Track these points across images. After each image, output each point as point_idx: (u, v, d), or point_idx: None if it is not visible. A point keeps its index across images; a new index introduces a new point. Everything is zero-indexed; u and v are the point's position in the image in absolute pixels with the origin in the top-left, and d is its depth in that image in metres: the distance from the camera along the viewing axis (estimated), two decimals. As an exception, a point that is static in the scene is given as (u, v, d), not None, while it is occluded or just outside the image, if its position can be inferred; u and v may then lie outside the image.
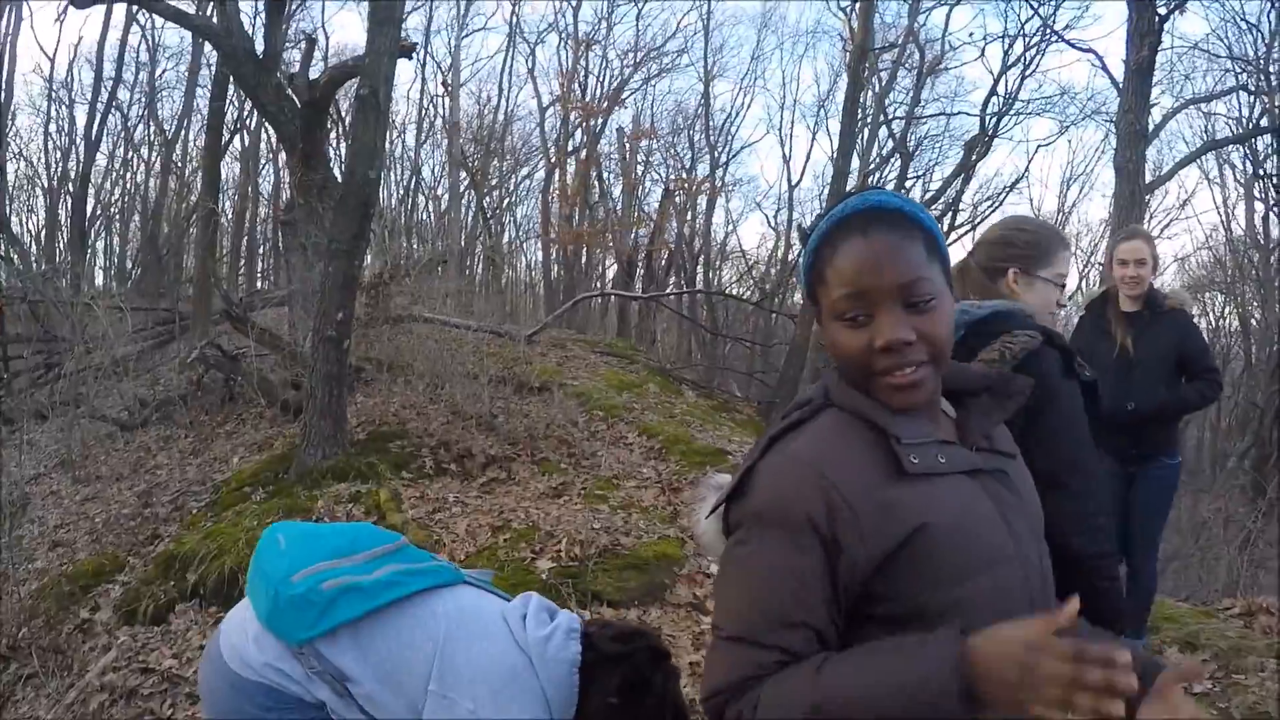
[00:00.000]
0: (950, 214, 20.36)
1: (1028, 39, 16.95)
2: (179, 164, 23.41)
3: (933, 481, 1.36)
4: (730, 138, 24.95)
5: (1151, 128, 14.70)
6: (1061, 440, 2.14)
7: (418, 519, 6.18)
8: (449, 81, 23.32)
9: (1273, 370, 14.80)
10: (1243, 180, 19.13)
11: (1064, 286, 2.54)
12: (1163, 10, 9.57)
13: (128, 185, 25.11)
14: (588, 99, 23.79)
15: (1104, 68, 12.42)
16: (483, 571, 2.60)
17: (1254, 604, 5.86)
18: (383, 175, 22.62)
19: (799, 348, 14.37)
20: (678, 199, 23.56)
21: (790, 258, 20.72)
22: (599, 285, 22.26)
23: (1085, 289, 19.36)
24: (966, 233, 22.45)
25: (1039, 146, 35.20)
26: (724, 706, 1.30)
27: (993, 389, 1.55)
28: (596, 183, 23.81)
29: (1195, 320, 4.86)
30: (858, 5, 17.20)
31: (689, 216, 23.99)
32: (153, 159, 24.52)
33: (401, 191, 26.02)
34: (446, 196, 24.63)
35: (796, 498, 1.31)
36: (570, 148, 24.28)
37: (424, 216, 26.97)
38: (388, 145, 23.41)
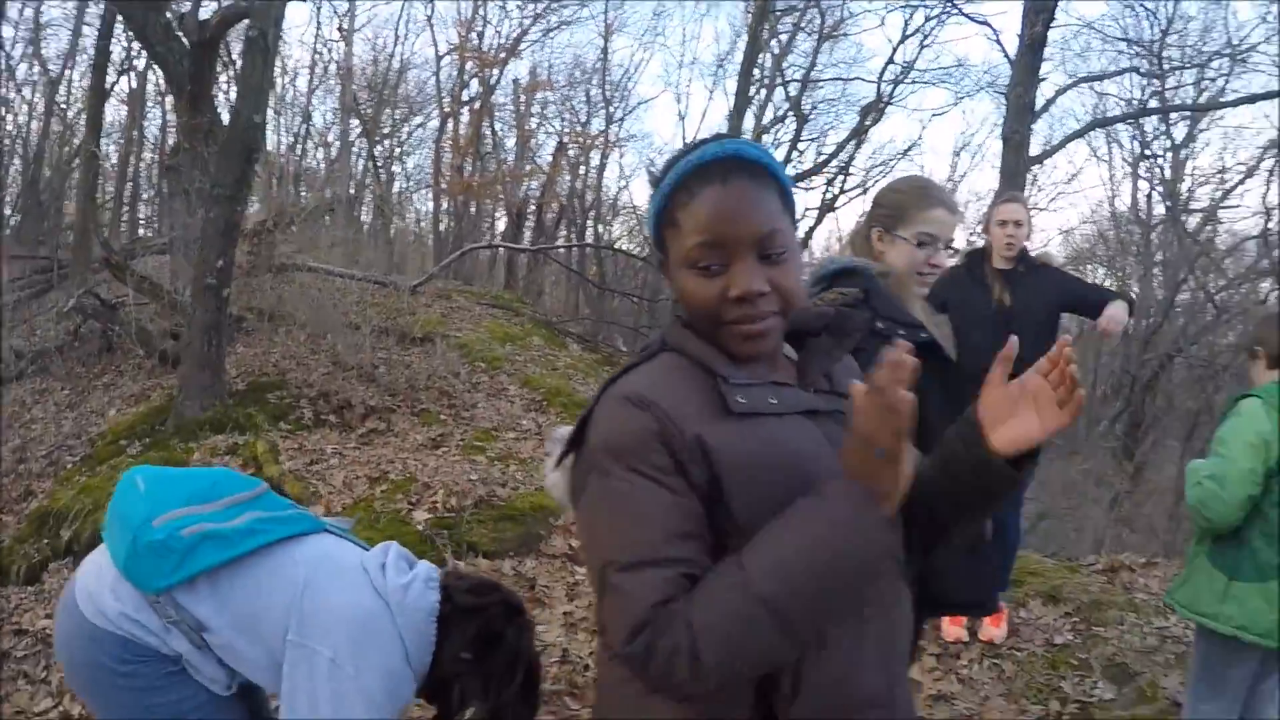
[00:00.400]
0: (842, 177, 20.66)
1: (928, 9, 17.17)
2: (63, 106, 22.35)
3: (761, 421, 1.36)
4: (627, 94, 24.87)
5: (1042, 103, 15.18)
6: None
7: (295, 471, 6.13)
8: (344, 27, 22.69)
9: (1145, 341, 15.43)
10: (1129, 159, 19.73)
11: (933, 245, 2.48)
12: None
13: (9, 127, 23.91)
14: (485, 49, 23.37)
15: (998, 41, 12.75)
16: (342, 520, 2.58)
17: (1116, 561, 6.15)
18: (272, 120, 22.00)
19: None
20: (571, 153, 23.39)
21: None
22: (488, 237, 21.90)
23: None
24: (857, 196, 22.86)
25: (933, 115, 35.46)
26: (651, 645, 1.18)
27: (830, 327, 1.55)
28: (490, 134, 23.48)
29: (1063, 270, 5.10)
30: (762, -35, 17.18)
31: (581, 171, 23.87)
32: (35, 100, 23.37)
33: (291, 138, 25.24)
34: (337, 144, 24.05)
35: (639, 427, 1.29)
36: (465, 98, 23.88)
37: (314, 163, 26.25)
38: (278, 90, 22.89)
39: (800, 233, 1.84)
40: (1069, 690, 4.31)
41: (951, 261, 2.68)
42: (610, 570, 1.25)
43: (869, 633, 1.35)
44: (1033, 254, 4.70)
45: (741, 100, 15.89)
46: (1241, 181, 18.02)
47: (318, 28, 24.92)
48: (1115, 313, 4.35)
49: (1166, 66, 16.03)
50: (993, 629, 4.73)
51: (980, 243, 4.92)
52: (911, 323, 2.37)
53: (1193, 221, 17.81)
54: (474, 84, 23.63)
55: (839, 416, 1.42)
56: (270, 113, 17.03)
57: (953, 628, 4.76)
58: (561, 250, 20.55)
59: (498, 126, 23.76)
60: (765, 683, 1.28)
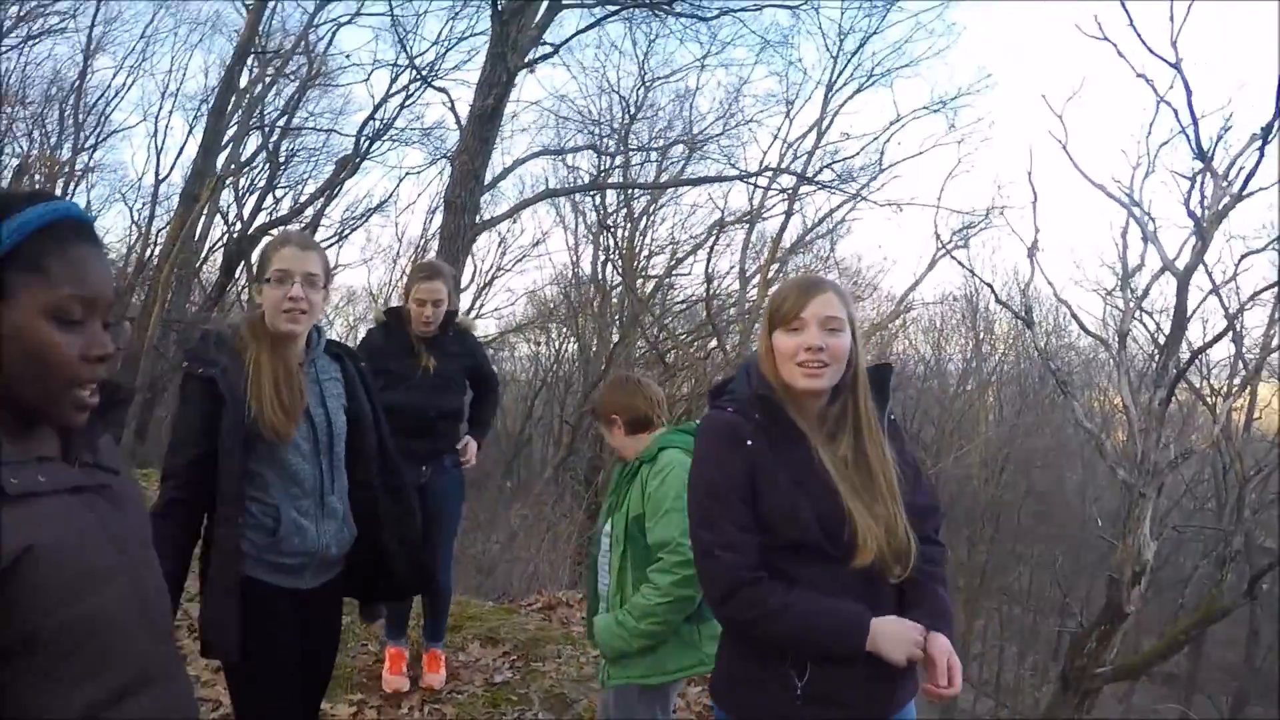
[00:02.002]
0: (313, 228, 20.38)
1: (412, 73, 17.55)
2: None
3: (35, 502, 1.29)
4: (104, 118, 22.62)
5: (501, 170, 16.21)
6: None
7: None
8: None
9: (586, 392, 16.93)
10: (591, 228, 21.58)
11: (288, 279, 2.68)
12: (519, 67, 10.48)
13: None
14: None
15: (452, 109, 13.31)
16: None
17: (553, 598, 6.58)
18: None
19: (134, 355, 13.49)
20: (36, 178, 20.78)
21: (150, 257, 19.29)
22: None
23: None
24: (330, 246, 22.66)
25: (406, 174, 36.62)
26: None
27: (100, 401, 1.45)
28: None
29: (479, 343, 5.06)
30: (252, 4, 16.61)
31: (48, 200, 21.07)
32: None
33: None
34: None
35: None
36: None
37: None
38: None
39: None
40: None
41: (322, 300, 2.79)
42: None
43: None
44: (457, 320, 4.68)
45: (210, 138, 15.12)
46: (690, 254, 20.57)
47: None
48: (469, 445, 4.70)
49: (632, 146, 17.89)
50: (432, 676, 4.73)
51: (398, 303, 4.75)
52: (211, 361, 2.64)
53: (647, 286, 19.95)
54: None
55: (104, 490, 1.43)
56: None
57: (392, 677, 4.70)
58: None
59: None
60: None
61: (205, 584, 2.63)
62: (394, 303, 5.21)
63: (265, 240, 3.33)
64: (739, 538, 2.13)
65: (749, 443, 2.16)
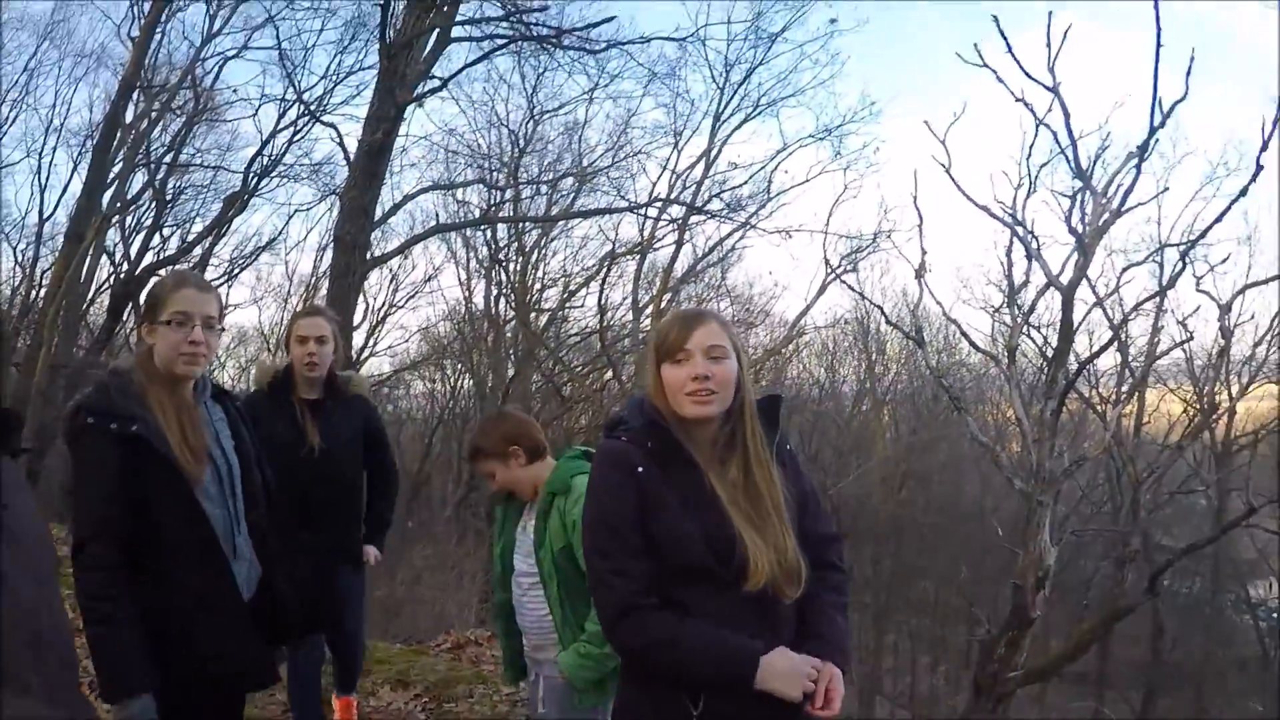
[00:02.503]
0: (202, 267, 19.92)
1: (300, 108, 17.28)
2: None
3: None
4: (-13, 153, 21.72)
5: (391, 205, 16.05)
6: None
7: None
8: None
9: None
10: (483, 262, 21.48)
11: (189, 322, 2.66)
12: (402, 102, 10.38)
13: None
14: None
15: (341, 144, 13.17)
16: None
17: (462, 637, 6.47)
18: None
19: (21, 401, 12.98)
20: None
21: (35, 299, 18.58)
22: None
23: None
24: (220, 285, 22.12)
25: (296, 210, 36.06)
26: None
27: None
28: None
29: (372, 404, 4.74)
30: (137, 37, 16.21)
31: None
32: None
33: None
34: None
35: None
36: None
37: None
38: None
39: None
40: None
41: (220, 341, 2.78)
42: None
43: None
44: (347, 377, 4.41)
45: (95, 176, 14.64)
46: (583, 286, 20.58)
47: None
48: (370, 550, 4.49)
49: (522, 179, 17.87)
50: (342, 721, 4.63)
51: (282, 364, 4.34)
52: (125, 414, 2.55)
53: (540, 320, 19.91)
54: None
55: None
56: None
57: None
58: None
59: None
60: None
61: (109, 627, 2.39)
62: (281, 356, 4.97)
63: (156, 279, 3.26)
64: (629, 564, 2.16)
65: (639, 469, 2.20)
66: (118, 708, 2.26)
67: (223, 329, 2.84)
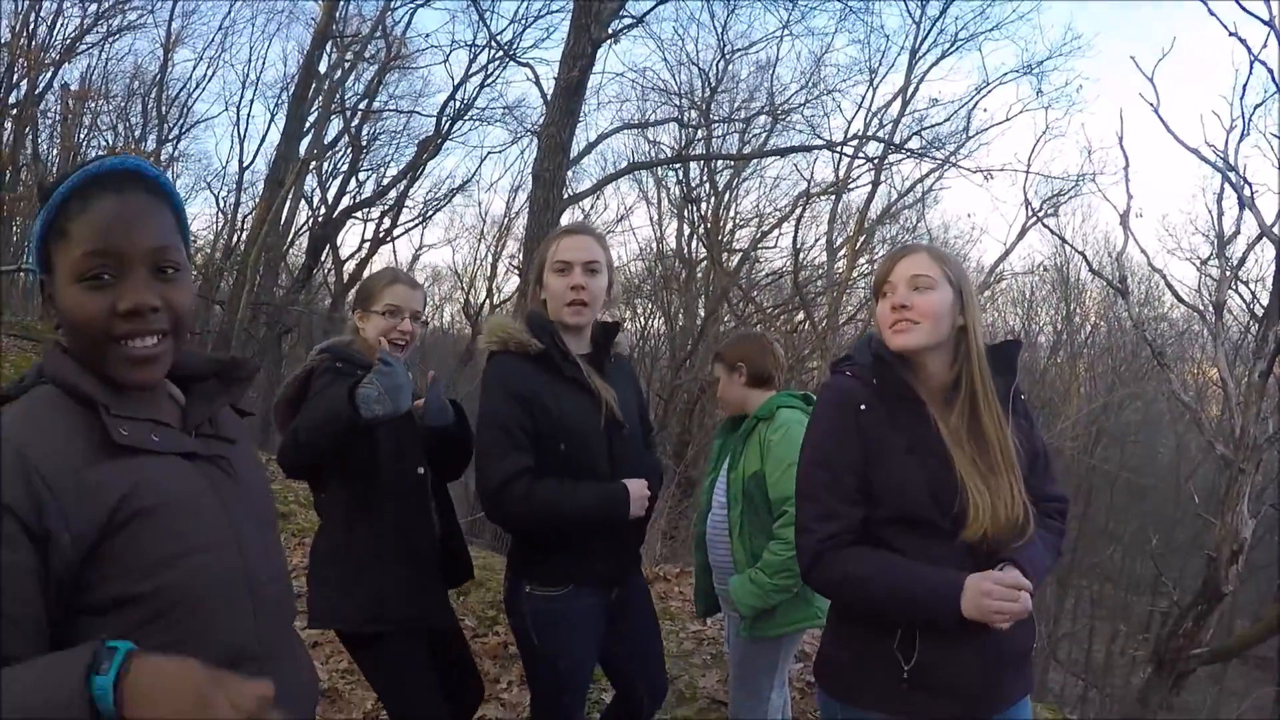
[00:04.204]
0: (397, 210, 20.62)
1: (491, 51, 17.64)
2: None
3: (144, 459, 1.29)
4: (186, 110, 23.26)
5: (585, 144, 16.16)
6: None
7: None
8: None
9: (677, 367, 16.85)
10: (674, 202, 21.42)
11: (398, 313, 2.98)
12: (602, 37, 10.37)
13: None
14: (35, 47, 20.69)
15: (537, 82, 13.28)
16: None
17: (653, 572, 6.44)
18: None
19: (224, 337, 13.90)
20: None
21: (237, 242, 19.72)
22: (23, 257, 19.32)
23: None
24: (414, 227, 22.86)
25: (489, 153, 37.08)
26: None
27: (221, 374, 1.52)
28: (30, 145, 20.84)
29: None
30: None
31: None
32: None
33: None
34: None
35: None
36: (12, 101, 21.00)
37: None
38: None
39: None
40: (606, 699, 4.51)
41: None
42: None
43: None
44: (614, 328, 3.03)
45: (292, 125, 15.41)
46: (776, 226, 20.31)
47: None
48: None
49: (714, 118, 17.72)
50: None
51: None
52: (362, 363, 2.85)
53: (733, 260, 19.75)
54: (24, 85, 20.82)
55: (221, 461, 1.43)
56: None
57: None
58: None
59: (39, 135, 21.12)
60: None
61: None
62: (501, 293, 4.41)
63: (370, 274, 3.89)
64: (838, 509, 2.11)
65: (862, 408, 2.14)
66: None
67: (426, 322, 3.20)
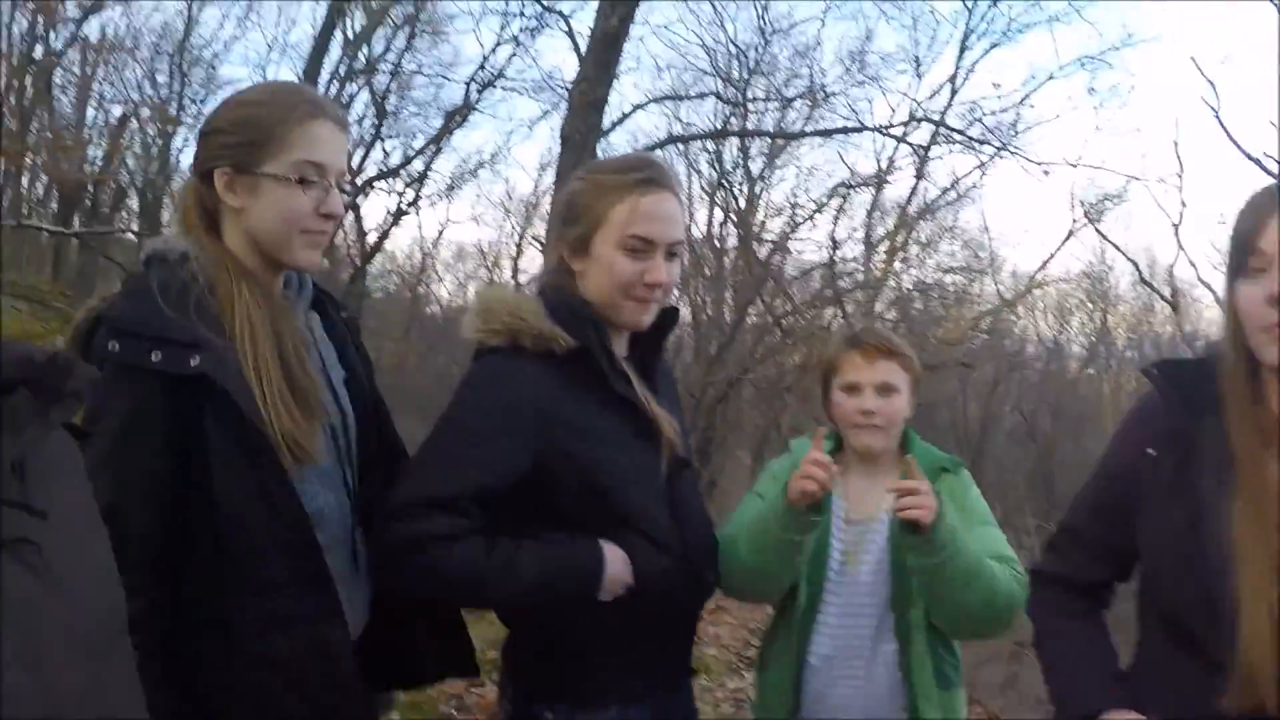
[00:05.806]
0: (422, 180, 20.20)
1: (525, 18, 16.92)
2: None
3: None
4: (213, 73, 22.77)
5: (618, 117, 15.48)
6: None
7: None
8: None
9: (710, 361, 16.14)
10: (706, 186, 20.70)
11: (315, 183, 1.56)
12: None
13: None
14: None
15: (570, 34, 12.32)
16: None
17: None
18: None
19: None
20: (149, 130, 20.87)
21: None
22: (30, 213, 18.88)
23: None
24: (438, 203, 22.36)
25: (518, 125, 37.03)
26: None
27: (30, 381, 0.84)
28: (46, 95, 20.40)
29: None
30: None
31: (154, 150, 21.16)
32: None
33: None
34: None
35: None
36: (37, 54, 20.60)
37: None
38: None
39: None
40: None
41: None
42: None
43: None
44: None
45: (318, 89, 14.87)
46: (811, 216, 19.56)
47: None
48: None
49: (750, 96, 17.09)
50: None
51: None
52: (182, 338, 1.43)
53: (764, 250, 19.04)
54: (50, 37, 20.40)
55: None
56: None
57: None
58: (121, 235, 18.12)
59: (54, 88, 20.66)
60: None
61: None
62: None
63: (246, 95, 1.61)
64: (1076, 560, 1.63)
65: (1149, 450, 1.45)
66: None
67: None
